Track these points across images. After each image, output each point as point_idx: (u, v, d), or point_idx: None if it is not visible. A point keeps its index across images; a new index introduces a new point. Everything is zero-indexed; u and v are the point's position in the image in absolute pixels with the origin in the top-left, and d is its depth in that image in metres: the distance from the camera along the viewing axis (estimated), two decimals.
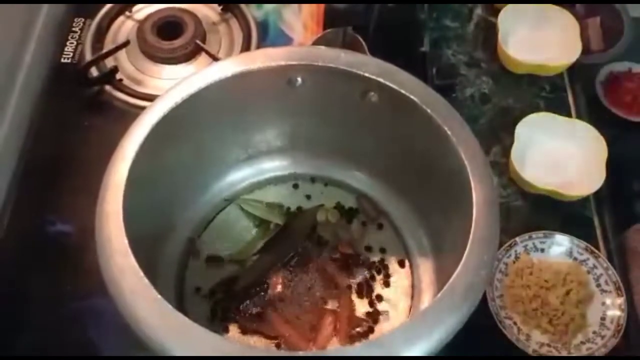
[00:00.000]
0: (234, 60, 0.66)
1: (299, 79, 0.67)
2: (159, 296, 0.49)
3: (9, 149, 0.81)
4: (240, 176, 0.77)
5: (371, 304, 0.70)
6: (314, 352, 0.60)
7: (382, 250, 0.74)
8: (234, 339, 0.67)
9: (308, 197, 0.78)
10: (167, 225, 0.72)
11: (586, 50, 0.90)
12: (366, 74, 0.64)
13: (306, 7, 0.93)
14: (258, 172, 0.78)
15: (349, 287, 0.71)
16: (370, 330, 0.69)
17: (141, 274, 0.50)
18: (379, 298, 0.71)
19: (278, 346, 0.68)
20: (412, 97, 0.62)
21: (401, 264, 0.73)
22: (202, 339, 0.48)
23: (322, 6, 0.92)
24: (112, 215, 0.54)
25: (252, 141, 0.75)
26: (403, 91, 0.62)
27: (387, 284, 0.72)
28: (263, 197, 0.78)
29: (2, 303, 0.71)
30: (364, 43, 0.79)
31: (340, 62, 0.65)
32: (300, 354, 0.52)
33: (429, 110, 0.61)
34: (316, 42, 0.81)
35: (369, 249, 0.74)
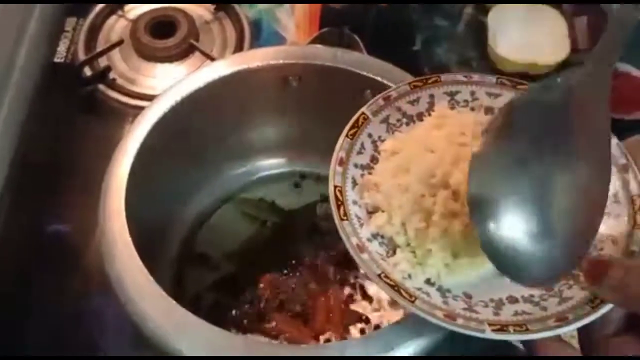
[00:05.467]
0: (233, 59, 0.66)
1: (297, 78, 0.67)
2: (164, 293, 0.49)
3: (2, 148, 0.80)
4: (236, 174, 0.77)
5: (366, 301, 0.71)
6: (314, 345, 0.60)
7: None
8: None
9: (305, 194, 0.78)
10: (163, 224, 0.72)
11: (574, 49, 0.91)
12: (363, 73, 0.65)
13: (299, 8, 0.93)
14: (255, 171, 0.78)
15: (345, 282, 0.71)
16: (366, 325, 0.69)
17: (145, 271, 0.50)
18: (375, 295, 0.71)
19: None
20: None
21: None
22: (209, 335, 0.48)
23: (315, 6, 0.92)
24: (115, 214, 0.54)
25: (249, 139, 0.76)
26: None
27: None
28: (260, 195, 0.77)
29: (1, 304, 0.71)
30: (361, 42, 0.79)
31: (337, 61, 0.65)
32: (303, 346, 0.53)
33: None
34: (313, 41, 0.81)
35: None
